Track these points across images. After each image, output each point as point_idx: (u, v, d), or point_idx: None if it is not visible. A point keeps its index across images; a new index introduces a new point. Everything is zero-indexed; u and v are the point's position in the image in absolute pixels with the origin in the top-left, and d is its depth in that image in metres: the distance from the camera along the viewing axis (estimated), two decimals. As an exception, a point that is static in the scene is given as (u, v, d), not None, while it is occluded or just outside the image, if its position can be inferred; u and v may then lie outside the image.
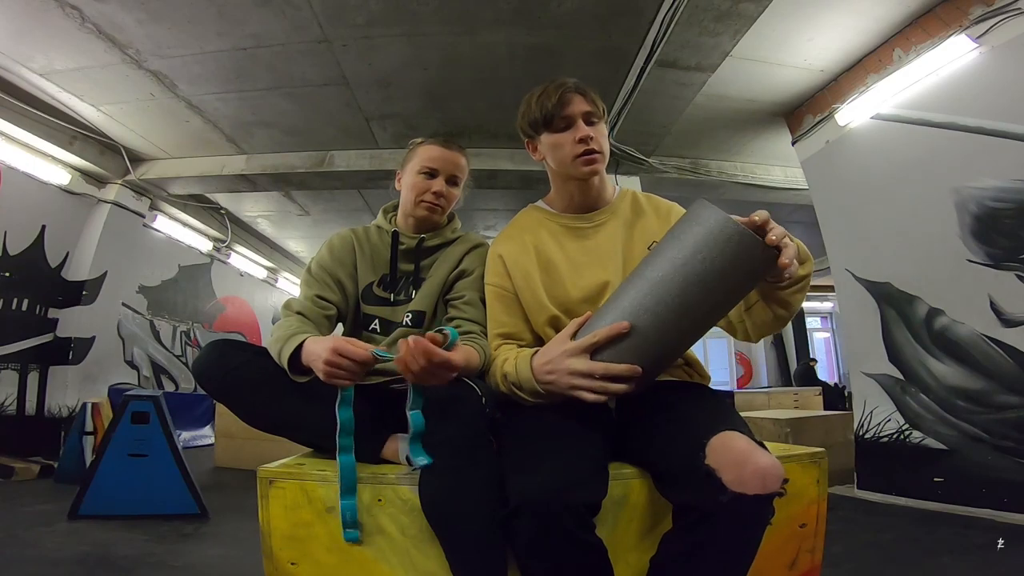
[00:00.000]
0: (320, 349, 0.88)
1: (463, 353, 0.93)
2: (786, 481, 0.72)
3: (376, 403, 1.02)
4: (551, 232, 1.12)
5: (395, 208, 1.29)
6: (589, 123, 1.06)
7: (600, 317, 0.87)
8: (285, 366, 0.95)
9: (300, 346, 0.94)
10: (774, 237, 0.74)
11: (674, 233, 0.83)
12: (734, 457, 0.72)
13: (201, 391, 5.86)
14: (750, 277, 0.80)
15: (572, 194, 1.13)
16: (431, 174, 1.20)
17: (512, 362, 0.96)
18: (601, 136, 1.07)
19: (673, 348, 0.87)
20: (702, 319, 0.83)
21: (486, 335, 1.11)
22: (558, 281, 1.06)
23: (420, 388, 0.90)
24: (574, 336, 0.88)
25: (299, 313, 1.11)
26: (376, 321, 1.18)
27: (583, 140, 1.04)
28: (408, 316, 1.17)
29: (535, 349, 0.95)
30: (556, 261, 1.08)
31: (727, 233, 0.75)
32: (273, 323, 7.86)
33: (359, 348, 0.87)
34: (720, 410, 0.89)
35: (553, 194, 1.18)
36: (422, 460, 0.88)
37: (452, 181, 1.23)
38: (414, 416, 0.90)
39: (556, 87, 1.06)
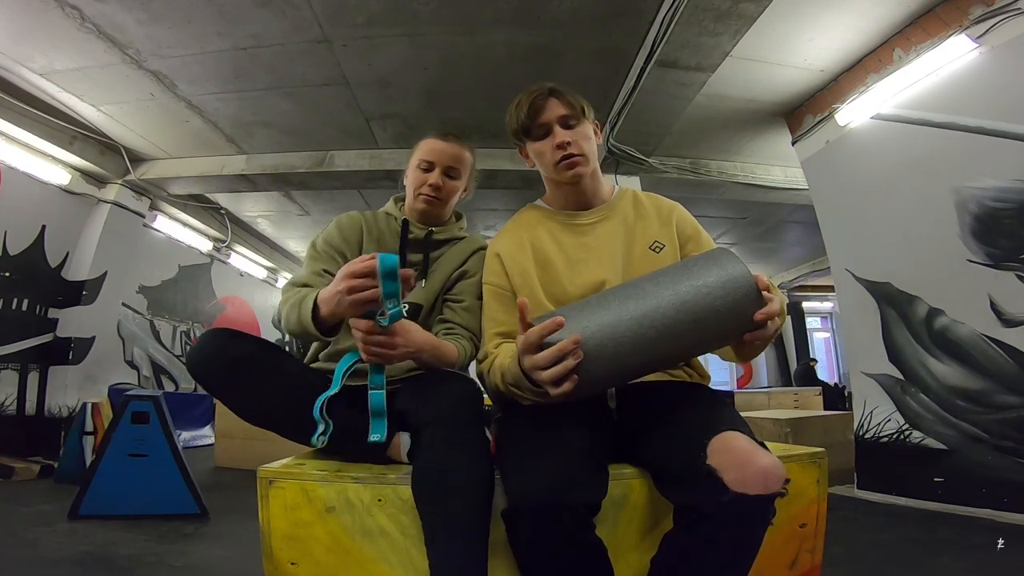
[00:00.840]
0: (331, 287, 0.92)
1: (405, 326, 0.97)
2: (787, 481, 0.73)
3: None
4: (549, 230, 1.12)
5: (403, 199, 1.32)
6: (567, 126, 1.05)
7: (577, 315, 0.82)
8: (311, 327, 0.96)
9: (316, 307, 0.96)
10: (762, 314, 0.76)
11: (687, 264, 0.84)
12: (736, 457, 0.72)
13: (201, 391, 5.87)
14: (736, 330, 0.81)
15: (566, 195, 1.13)
16: (428, 167, 1.21)
17: (507, 362, 0.94)
18: (582, 138, 1.06)
19: (638, 368, 0.84)
20: (676, 349, 0.83)
21: (475, 341, 1.13)
22: (555, 278, 1.06)
23: (378, 366, 0.97)
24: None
25: (304, 285, 1.11)
26: None
27: (560, 146, 1.04)
28: (405, 308, 1.17)
29: None
30: (553, 258, 1.08)
31: (740, 283, 0.77)
32: (274, 323, 7.87)
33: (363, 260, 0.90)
34: (720, 410, 0.89)
35: (549, 195, 1.19)
36: (376, 436, 0.94)
37: (450, 173, 1.22)
38: (373, 396, 0.96)
39: (528, 95, 1.06)
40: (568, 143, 1.04)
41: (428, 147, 1.22)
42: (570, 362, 0.74)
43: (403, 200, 1.31)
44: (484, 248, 1.24)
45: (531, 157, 1.13)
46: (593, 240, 1.09)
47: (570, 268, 1.07)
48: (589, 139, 1.08)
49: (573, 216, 1.13)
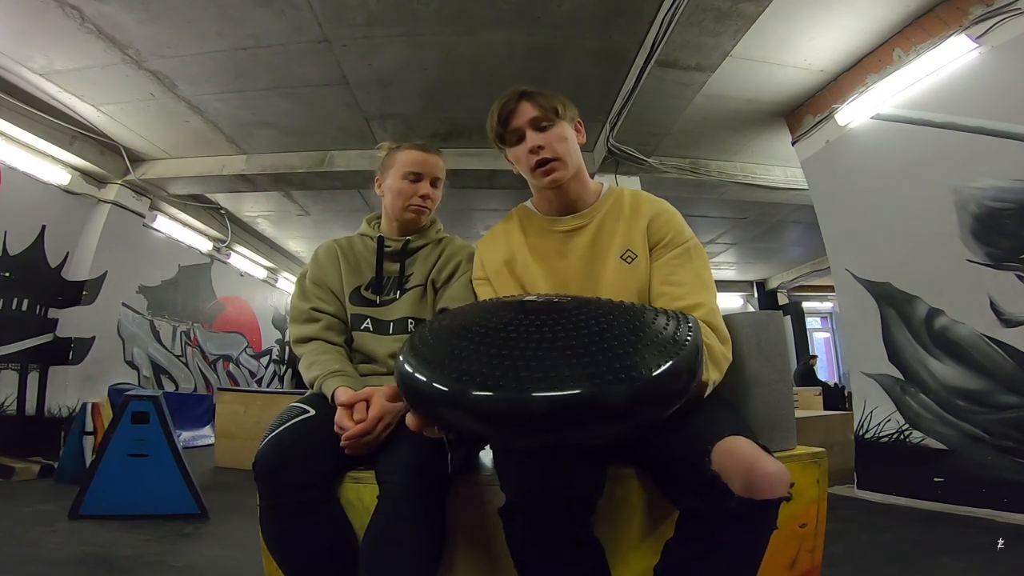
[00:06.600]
0: (341, 413, 0.96)
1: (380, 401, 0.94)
2: (792, 485, 0.72)
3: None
4: (529, 234, 1.11)
5: (378, 218, 1.33)
6: (539, 128, 1.02)
7: None
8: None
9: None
10: None
11: None
12: (741, 463, 0.71)
13: (201, 391, 5.85)
14: None
15: (549, 200, 1.11)
16: (416, 178, 1.22)
17: None
18: (556, 139, 1.01)
19: None
20: None
21: None
22: (530, 283, 1.06)
23: None
24: None
25: (308, 339, 1.15)
26: (368, 321, 1.20)
27: (533, 151, 1.01)
28: (391, 325, 1.19)
29: None
30: (526, 263, 1.08)
31: None
32: (274, 323, 7.87)
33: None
34: (721, 413, 0.88)
35: (535, 198, 1.17)
36: None
37: (434, 183, 1.24)
38: None
39: (499, 102, 1.04)
40: (541, 147, 1.01)
41: (412, 159, 1.21)
42: None
43: (376, 219, 1.32)
44: (465, 248, 1.26)
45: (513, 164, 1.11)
46: (567, 250, 1.07)
47: (541, 277, 1.06)
48: (565, 140, 1.02)
49: (554, 222, 1.10)
